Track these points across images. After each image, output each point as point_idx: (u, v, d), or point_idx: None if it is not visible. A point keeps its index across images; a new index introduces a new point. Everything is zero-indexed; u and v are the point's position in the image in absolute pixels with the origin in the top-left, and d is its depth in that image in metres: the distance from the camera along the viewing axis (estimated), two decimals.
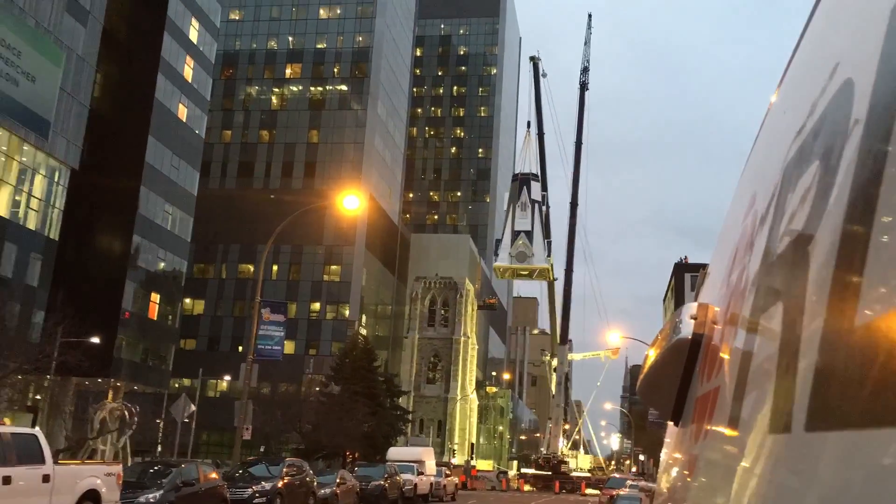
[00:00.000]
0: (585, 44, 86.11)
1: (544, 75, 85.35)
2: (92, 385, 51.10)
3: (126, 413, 32.80)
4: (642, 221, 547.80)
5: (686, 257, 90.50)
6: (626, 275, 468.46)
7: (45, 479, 14.48)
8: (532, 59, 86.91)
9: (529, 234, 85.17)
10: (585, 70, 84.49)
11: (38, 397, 45.92)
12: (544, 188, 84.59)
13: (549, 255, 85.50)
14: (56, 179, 48.69)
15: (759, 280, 1.17)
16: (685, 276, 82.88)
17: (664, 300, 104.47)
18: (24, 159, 45.98)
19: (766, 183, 1.33)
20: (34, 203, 47.06)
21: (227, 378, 71.36)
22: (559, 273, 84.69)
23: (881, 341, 0.62)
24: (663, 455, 2.32)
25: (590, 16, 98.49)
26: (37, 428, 20.85)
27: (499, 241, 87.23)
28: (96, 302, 48.52)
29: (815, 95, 1.05)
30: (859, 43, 0.88)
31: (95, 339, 41.69)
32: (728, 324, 1.40)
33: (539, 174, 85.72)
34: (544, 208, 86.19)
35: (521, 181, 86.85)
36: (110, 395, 48.10)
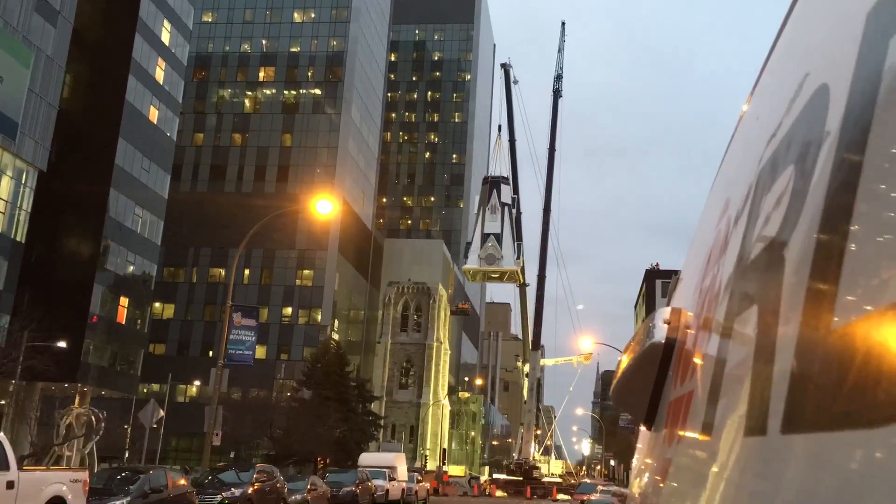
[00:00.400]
0: (559, 51, 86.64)
1: (515, 82, 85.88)
2: (58, 390, 50.27)
3: (93, 418, 32.26)
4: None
5: (657, 263, 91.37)
6: (617, 278, 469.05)
7: (10, 485, 14.21)
8: (503, 65, 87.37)
9: (499, 237, 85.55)
10: (559, 77, 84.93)
11: (3, 402, 45.12)
12: (516, 192, 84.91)
13: (518, 258, 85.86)
14: (23, 181, 47.93)
15: (733, 284, 1.16)
16: (656, 282, 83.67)
17: (635, 306, 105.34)
18: None
19: (739, 188, 1.33)
20: (0, 205, 46.28)
21: (197, 383, 70.73)
22: (531, 278, 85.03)
23: (857, 344, 0.62)
24: (636, 460, 2.32)
25: (563, 24, 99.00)
26: (1, 433, 20.46)
27: (469, 244, 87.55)
28: (63, 306, 47.78)
29: (789, 101, 1.04)
30: (834, 48, 0.88)
31: (62, 344, 41.09)
32: (701, 328, 1.40)
33: (510, 178, 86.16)
34: (514, 211, 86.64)
35: (492, 184, 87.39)
36: (77, 401, 47.36)
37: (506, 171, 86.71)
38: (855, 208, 0.69)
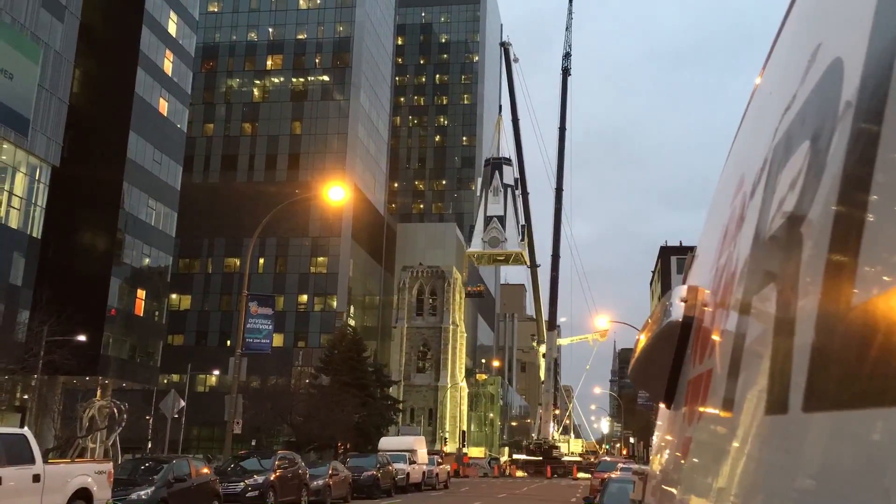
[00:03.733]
0: (567, 29, 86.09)
1: (516, 60, 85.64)
2: (80, 383, 50.84)
3: (115, 410, 32.65)
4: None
5: (667, 241, 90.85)
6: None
7: (36, 478, 14.40)
8: (502, 44, 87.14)
9: (502, 219, 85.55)
10: (567, 55, 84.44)
11: (26, 397, 45.67)
12: (522, 172, 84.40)
13: (522, 239, 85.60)
14: (37, 177, 48.25)
15: (750, 261, 1.15)
16: (671, 259, 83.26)
17: (651, 283, 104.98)
18: (3, 158, 45.52)
19: (754, 163, 1.33)
20: (15, 202, 46.62)
21: (216, 373, 71.22)
22: (543, 260, 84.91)
23: (878, 319, 0.61)
24: (656, 438, 2.33)
25: (570, 1, 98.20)
26: (25, 428, 20.75)
27: (472, 228, 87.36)
28: (81, 300, 48.17)
29: (803, 73, 1.03)
30: (848, 21, 0.87)
31: (82, 337, 41.46)
32: (719, 306, 1.40)
33: (512, 159, 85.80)
34: (517, 192, 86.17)
35: (493, 166, 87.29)
36: (98, 393, 47.91)
37: (505, 152, 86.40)
38: (873, 180, 0.68)
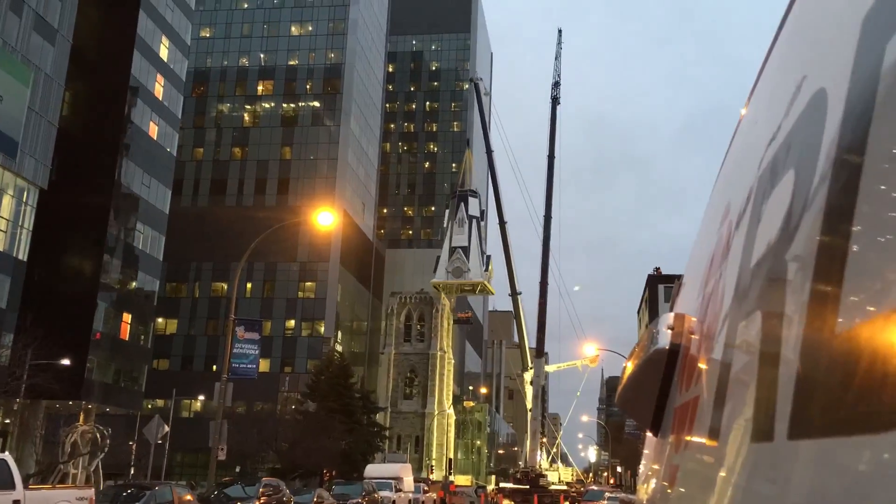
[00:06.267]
0: (556, 59, 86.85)
1: (486, 94, 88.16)
2: (63, 408, 50.24)
3: (98, 435, 32.23)
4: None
5: (659, 269, 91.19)
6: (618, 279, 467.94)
7: None
8: (472, 80, 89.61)
9: (466, 250, 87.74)
10: (556, 84, 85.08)
11: (8, 421, 45.09)
12: (498, 204, 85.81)
13: (486, 269, 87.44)
14: (24, 199, 48.01)
15: (736, 289, 1.16)
16: (659, 288, 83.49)
17: (638, 312, 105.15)
18: None
19: (740, 193, 1.34)
20: (2, 224, 46.33)
21: (202, 398, 70.56)
22: (526, 288, 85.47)
23: (862, 347, 0.62)
24: (643, 466, 2.32)
25: (560, 31, 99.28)
26: (6, 453, 20.44)
27: (438, 258, 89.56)
28: (66, 323, 47.80)
29: (787, 104, 1.04)
30: (832, 52, 0.88)
31: (66, 361, 41.06)
32: (706, 333, 1.41)
33: (477, 191, 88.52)
34: (483, 223, 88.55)
35: (459, 197, 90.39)
36: (82, 418, 47.32)
37: (474, 184, 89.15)
38: (857, 210, 0.69)
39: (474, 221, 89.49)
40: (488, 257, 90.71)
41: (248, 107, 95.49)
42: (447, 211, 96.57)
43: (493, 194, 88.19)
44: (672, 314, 1.70)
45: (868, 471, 0.58)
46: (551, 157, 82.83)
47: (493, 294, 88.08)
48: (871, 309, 0.61)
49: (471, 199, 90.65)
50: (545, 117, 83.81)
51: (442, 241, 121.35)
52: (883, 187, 0.65)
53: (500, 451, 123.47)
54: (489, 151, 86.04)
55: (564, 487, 70.11)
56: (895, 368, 0.56)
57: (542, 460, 79.29)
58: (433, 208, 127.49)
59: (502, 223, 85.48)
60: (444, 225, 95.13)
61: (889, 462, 0.55)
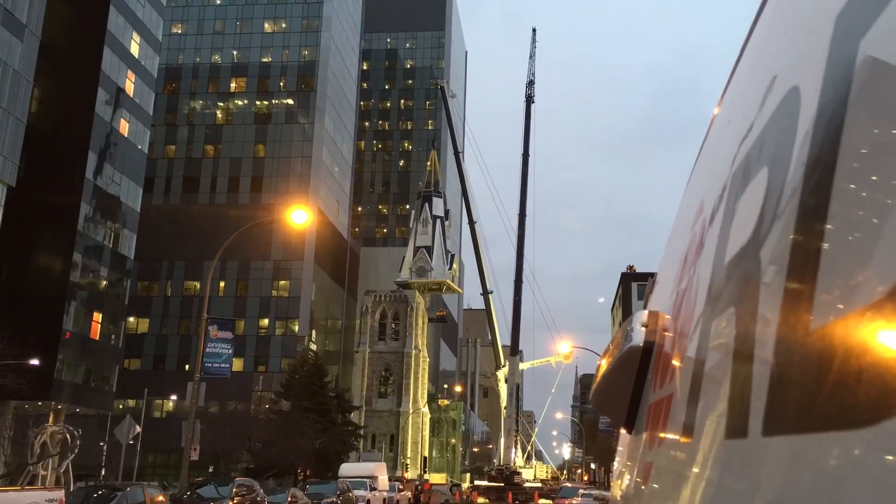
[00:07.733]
0: (531, 58, 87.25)
1: (452, 96, 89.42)
2: (32, 408, 49.45)
3: (68, 436, 31.79)
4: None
5: (633, 266, 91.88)
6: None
7: None
8: (436, 83, 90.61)
9: (429, 249, 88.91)
10: (531, 83, 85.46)
11: None
12: (467, 204, 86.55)
13: (450, 268, 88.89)
14: None
15: (710, 287, 1.16)
16: (632, 285, 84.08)
17: (612, 309, 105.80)
18: None
19: (713, 190, 1.34)
20: None
21: (174, 398, 69.90)
22: (502, 286, 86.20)
23: (835, 344, 0.62)
24: (617, 463, 2.33)
25: (534, 30, 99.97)
26: None
27: (403, 258, 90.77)
28: (36, 322, 47.05)
29: (760, 103, 1.05)
30: (805, 50, 0.88)
31: (35, 361, 40.42)
32: (679, 331, 1.41)
33: (442, 192, 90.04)
34: (447, 223, 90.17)
35: (424, 198, 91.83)
36: (51, 419, 46.63)
37: (442, 185, 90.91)
38: (830, 208, 0.69)
39: (438, 221, 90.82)
40: (452, 256, 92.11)
41: (221, 104, 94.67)
42: (412, 211, 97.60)
43: (461, 195, 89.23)
44: (646, 311, 1.71)
45: (841, 467, 0.58)
46: (525, 155, 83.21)
47: (459, 293, 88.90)
48: (845, 306, 0.61)
49: (435, 200, 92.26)
50: (520, 115, 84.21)
51: None
52: (855, 185, 0.66)
53: (475, 450, 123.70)
54: (457, 153, 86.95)
55: (539, 485, 70.46)
56: (868, 365, 0.56)
57: (517, 458, 79.61)
58: (408, 206, 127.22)
59: (472, 223, 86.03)
60: (410, 225, 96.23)
61: (861, 458, 0.55)
